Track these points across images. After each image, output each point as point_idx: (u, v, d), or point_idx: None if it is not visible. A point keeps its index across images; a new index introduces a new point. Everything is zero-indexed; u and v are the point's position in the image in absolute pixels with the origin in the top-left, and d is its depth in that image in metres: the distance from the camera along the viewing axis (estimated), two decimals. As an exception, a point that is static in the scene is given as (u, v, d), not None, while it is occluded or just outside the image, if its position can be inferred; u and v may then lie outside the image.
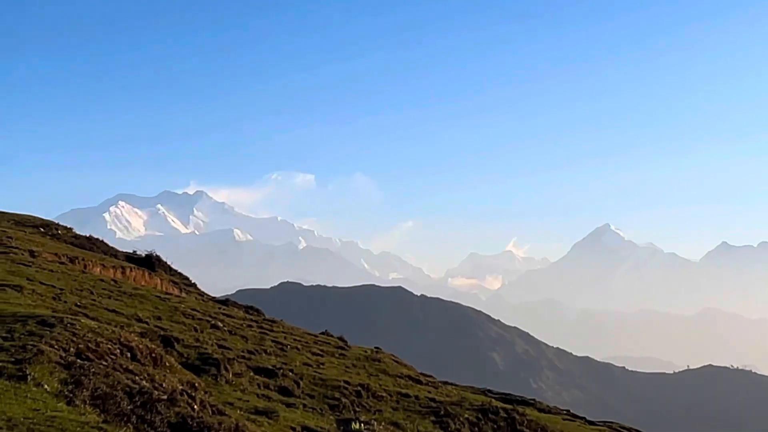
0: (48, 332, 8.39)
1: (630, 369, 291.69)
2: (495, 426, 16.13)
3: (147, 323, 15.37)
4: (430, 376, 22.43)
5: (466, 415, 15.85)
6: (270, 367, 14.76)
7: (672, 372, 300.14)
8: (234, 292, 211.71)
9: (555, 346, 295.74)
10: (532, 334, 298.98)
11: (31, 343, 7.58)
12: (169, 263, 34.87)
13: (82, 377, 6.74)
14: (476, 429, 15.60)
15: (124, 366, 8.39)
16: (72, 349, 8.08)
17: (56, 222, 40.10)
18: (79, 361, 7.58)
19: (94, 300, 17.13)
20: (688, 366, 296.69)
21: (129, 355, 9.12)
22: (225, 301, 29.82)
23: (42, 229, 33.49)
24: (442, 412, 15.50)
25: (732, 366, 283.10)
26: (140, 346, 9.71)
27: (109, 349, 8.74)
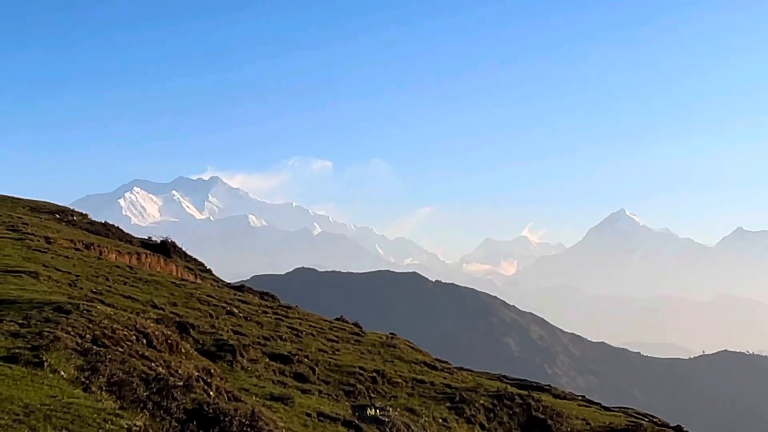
0: (64, 319, 8.39)
1: (645, 355, 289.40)
2: (510, 412, 15.97)
3: (162, 309, 15.48)
4: (446, 362, 22.35)
5: (481, 401, 15.71)
6: (285, 353, 14.76)
7: (687, 358, 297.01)
8: (249, 278, 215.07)
9: (570, 332, 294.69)
10: (547, 319, 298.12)
11: (48, 329, 7.57)
12: (184, 249, 35.21)
13: (99, 364, 6.71)
14: (491, 415, 15.46)
15: (140, 352, 8.37)
16: (88, 335, 8.07)
17: (71, 208, 40.83)
18: (95, 347, 7.56)
19: (110, 286, 17.33)
20: (703, 351, 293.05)
21: (145, 341, 9.11)
22: (240, 287, 30.06)
23: (57, 216, 33.96)
24: (457, 398, 15.38)
25: (748, 351, 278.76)
26: (156, 333, 9.69)
27: (124, 335, 8.73)
